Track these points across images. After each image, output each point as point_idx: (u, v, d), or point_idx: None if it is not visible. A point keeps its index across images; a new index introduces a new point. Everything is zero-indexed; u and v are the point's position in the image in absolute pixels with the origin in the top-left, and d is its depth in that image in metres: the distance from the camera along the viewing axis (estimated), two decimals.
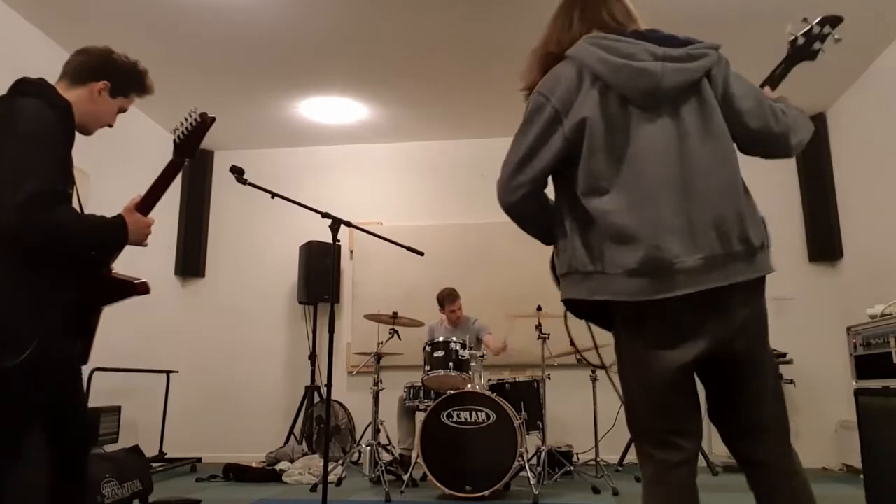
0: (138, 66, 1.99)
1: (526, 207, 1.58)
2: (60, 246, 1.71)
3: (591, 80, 1.50)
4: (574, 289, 1.52)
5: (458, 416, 3.93)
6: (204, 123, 1.96)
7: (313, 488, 4.23)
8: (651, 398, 1.46)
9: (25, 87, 1.76)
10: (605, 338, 1.74)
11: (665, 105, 1.47)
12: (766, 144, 1.56)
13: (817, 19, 1.72)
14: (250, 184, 2.73)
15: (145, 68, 2.01)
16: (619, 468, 5.15)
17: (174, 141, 1.96)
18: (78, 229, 1.71)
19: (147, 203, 1.91)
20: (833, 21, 1.72)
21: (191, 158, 1.99)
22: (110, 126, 1.99)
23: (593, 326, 1.68)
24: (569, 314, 1.67)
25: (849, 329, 3.13)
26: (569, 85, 1.51)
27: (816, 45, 1.73)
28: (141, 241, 1.89)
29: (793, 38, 1.73)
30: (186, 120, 1.95)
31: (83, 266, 1.83)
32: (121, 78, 1.95)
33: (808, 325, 5.60)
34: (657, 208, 1.41)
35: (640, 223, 1.41)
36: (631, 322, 1.48)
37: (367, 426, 5.11)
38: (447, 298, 5.02)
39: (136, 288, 1.91)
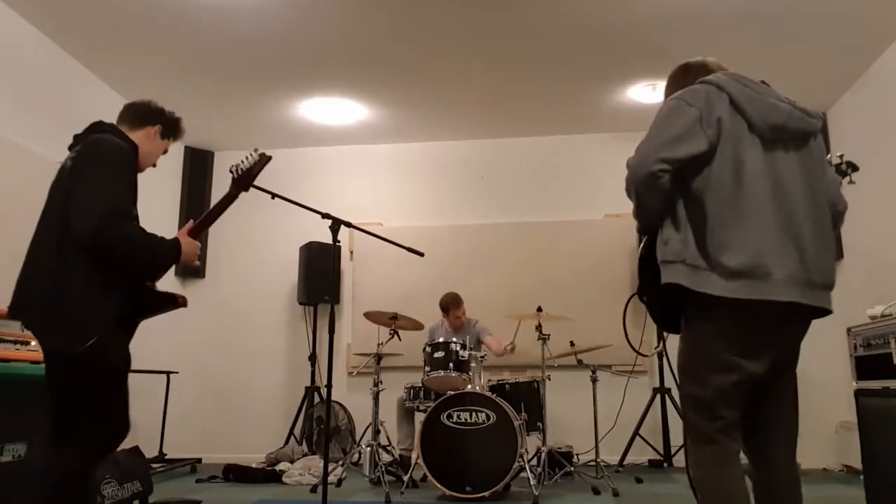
0: (175, 114, 2.37)
1: (658, 184, 1.69)
2: (126, 256, 2.00)
3: (728, 100, 1.69)
4: (677, 276, 1.67)
5: (458, 416, 3.92)
6: (262, 161, 2.35)
7: (313, 489, 4.23)
8: (726, 393, 1.63)
9: (104, 126, 2.15)
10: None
11: (780, 143, 1.70)
12: (838, 219, 1.83)
13: (847, 160, 2.12)
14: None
15: (180, 117, 2.39)
16: (620, 469, 5.15)
17: (232, 176, 2.32)
18: (143, 244, 2.01)
19: (199, 229, 2.22)
20: (855, 168, 2.12)
21: (245, 191, 2.36)
22: (154, 166, 2.34)
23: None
24: (633, 307, 1.90)
25: (849, 330, 3.13)
26: (708, 96, 1.70)
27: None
28: (190, 262, 2.20)
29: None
30: (247, 159, 2.33)
31: (136, 277, 2.11)
32: (167, 123, 2.33)
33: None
34: (764, 225, 1.63)
35: (749, 234, 1.62)
36: (719, 323, 1.64)
37: (367, 427, 5.11)
38: (452, 304, 4.99)
39: (178, 301, 2.19)
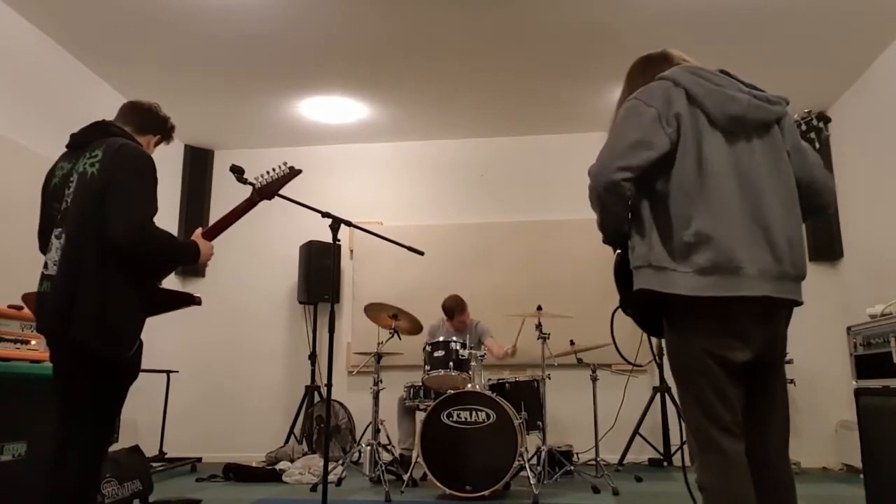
0: (171, 121, 2.40)
1: (621, 193, 1.66)
2: (158, 259, 2.14)
3: (685, 95, 1.67)
4: (648, 280, 1.65)
5: (458, 415, 3.92)
6: (290, 174, 2.49)
7: (313, 488, 4.23)
8: (716, 388, 1.60)
9: (115, 129, 2.17)
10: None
11: (742, 134, 1.67)
12: (822, 195, 1.78)
13: (816, 114, 1.99)
14: (250, 183, 2.74)
15: (174, 124, 2.42)
16: (619, 468, 5.15)
17: (253, 184, 2.44)
18: (169, 247, 2.10)
19: (213, 232, 2.29)
20: (826, 120, 2.01)
21: (267, 200, 2.47)
22: None
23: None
24: (618, 314, 1.87)
25: (849, 329, 3.13)
26: (665, 93, 1.68)
27: (811, 136, 1.98)
28: (203, 263, 2.28)
29: (796, 123, 1.92)
30: (275, 170, 2.46)
31: (155, 278, 2.20)
32: (166, 133, 2.38)
33: (808, 325, 5.59)
34: (732, 219, 1.60)
35: (717, 229, 1.59)
36: (697, 321, 1.62)
37: (368, 426, 5.11)
38: (457, 309, 4.94)
39: (195, 300, 2.28)
